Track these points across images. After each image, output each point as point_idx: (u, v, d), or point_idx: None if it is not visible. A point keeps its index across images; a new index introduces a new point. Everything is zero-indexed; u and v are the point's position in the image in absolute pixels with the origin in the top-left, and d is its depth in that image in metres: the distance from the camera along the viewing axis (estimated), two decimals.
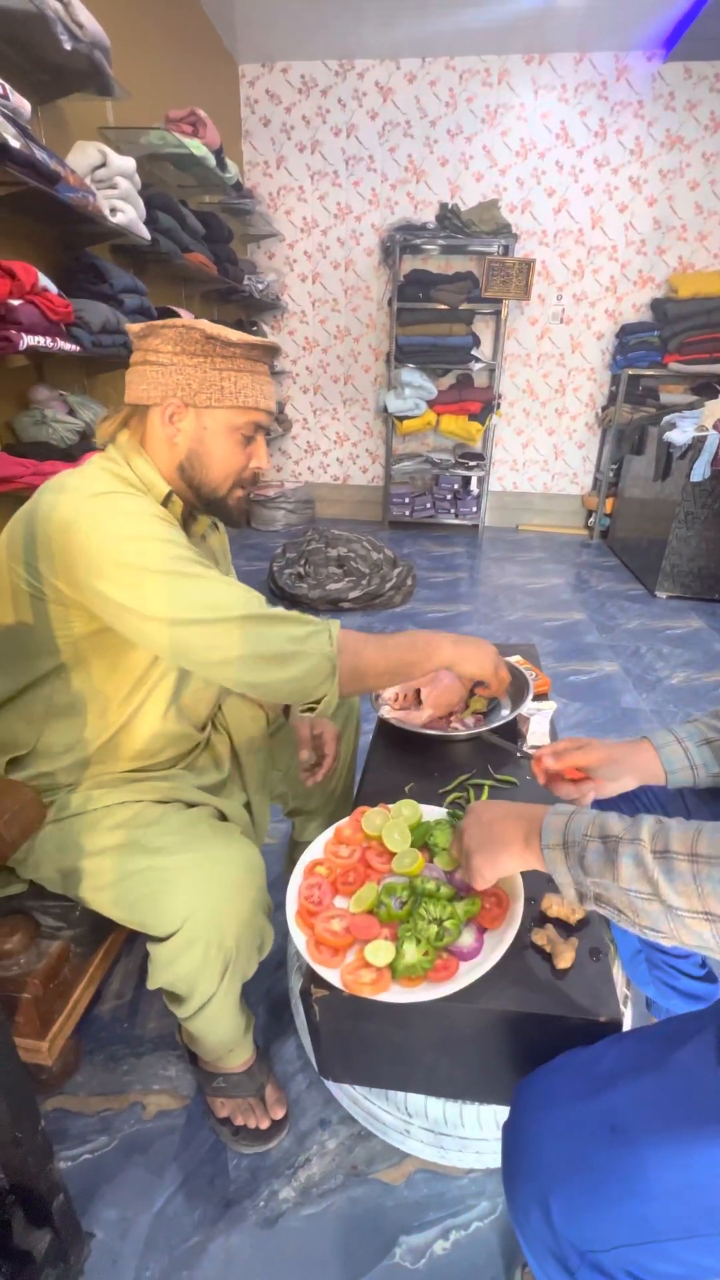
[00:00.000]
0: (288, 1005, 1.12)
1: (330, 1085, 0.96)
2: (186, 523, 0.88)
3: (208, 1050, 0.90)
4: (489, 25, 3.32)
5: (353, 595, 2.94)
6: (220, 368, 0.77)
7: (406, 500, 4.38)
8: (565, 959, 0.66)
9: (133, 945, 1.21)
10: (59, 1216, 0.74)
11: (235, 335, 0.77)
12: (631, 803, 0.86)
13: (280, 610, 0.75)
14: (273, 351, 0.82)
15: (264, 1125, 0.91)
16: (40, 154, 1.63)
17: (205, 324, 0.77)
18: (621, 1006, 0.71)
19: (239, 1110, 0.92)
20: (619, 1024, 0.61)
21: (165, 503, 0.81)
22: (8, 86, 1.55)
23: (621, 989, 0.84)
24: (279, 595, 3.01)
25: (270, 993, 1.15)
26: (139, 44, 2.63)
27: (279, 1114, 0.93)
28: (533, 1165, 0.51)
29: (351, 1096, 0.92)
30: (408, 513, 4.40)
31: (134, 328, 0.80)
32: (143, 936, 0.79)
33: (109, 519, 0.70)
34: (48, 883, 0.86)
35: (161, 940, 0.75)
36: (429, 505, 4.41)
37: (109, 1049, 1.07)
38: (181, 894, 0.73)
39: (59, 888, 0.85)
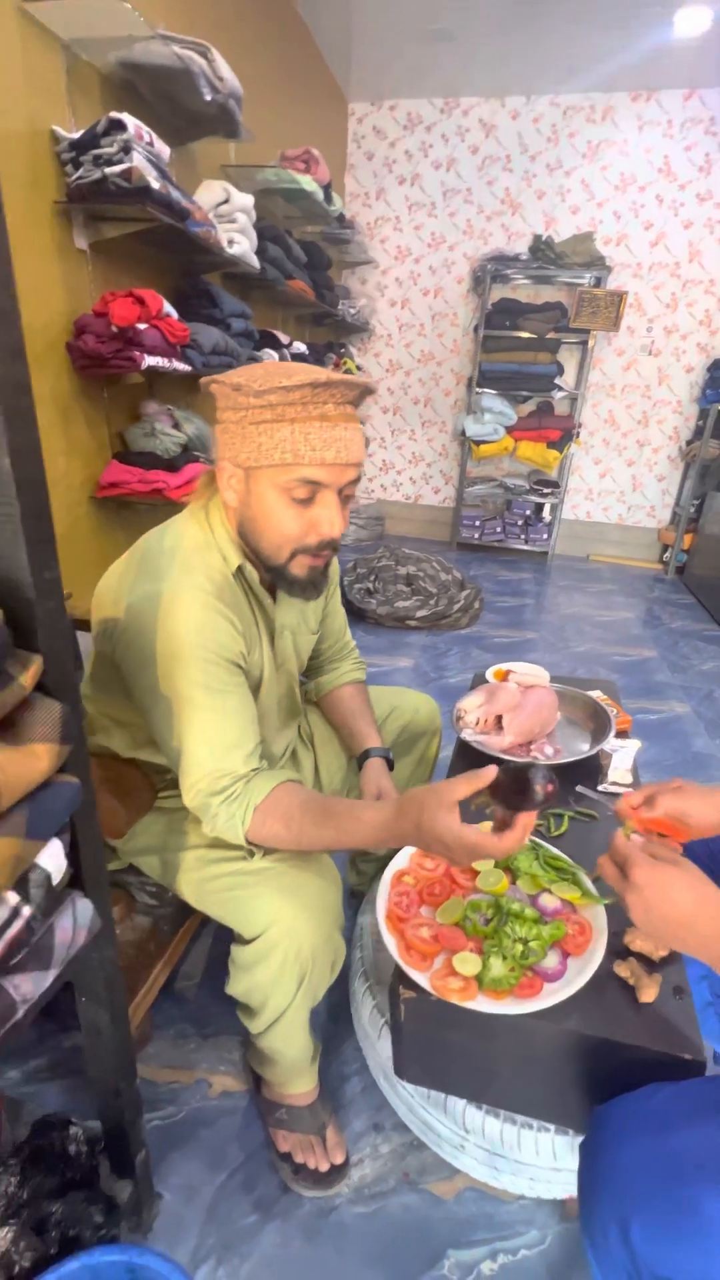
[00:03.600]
0: (346, 1009, 1.15)
1: (385, 1092, 0.98)
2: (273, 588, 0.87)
3: (275, 1073, 0.91)
4: (598, 64, 3.36)
5: (420, 614, 2.98)
6: (257, 420, 0.70)
7: (477, 523, 4.40)
8: (648, 993, 0.67)
9: (204, 929, 1.28)
10: (140, 1170, 0.80)
11: (264, 380, 0.67)
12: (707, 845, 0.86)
13: (228, 780, 0.74)
14: (335, 388, 0.69)
15: (324, 1167, 0.90)
16: (175, 193, 1.78)
17: (236, 373, 0.70)
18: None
19: (300, 1147, 0.91)
20: (703, 1065, 0.61)
21: (238, 573, 0.80)
22: (153, 134, 1.72)
23: None
24: (347, 610, 3.08)
25: (330, 995, 1.19)
26: (261, 87, 2.81)
27: (339, 1158, 0.91)
28: (617, 1187, 0.52)
29: (407, 1104, 0.94)
30: (477, 535, 4.41)
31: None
32: (218, 924, 0.84)
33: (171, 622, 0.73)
34: (148, 870, 0.92)
35: (245, 943, 0.79)
36: (499, 529, 4.40)
37: (177, 1026, 1.13)
38: (265, 901, 0.76)
39: (158, 875, 0.91)
